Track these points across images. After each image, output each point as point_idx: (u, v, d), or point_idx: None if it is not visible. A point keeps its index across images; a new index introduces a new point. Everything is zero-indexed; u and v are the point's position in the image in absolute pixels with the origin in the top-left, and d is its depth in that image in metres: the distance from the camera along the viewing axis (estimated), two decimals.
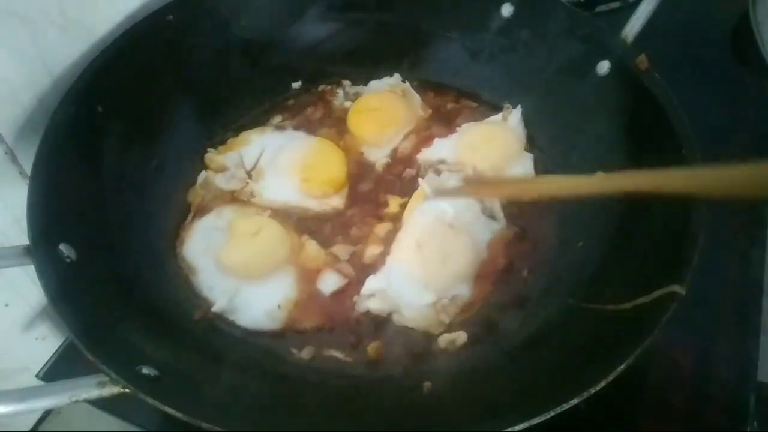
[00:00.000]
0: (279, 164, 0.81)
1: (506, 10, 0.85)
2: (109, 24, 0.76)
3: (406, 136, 0.86)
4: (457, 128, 0.85)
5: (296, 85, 0.91)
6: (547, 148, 0.83)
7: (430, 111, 0.89)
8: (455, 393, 0.63)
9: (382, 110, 0.85)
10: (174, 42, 0.79)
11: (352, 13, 0.90)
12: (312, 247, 0.75)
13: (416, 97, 0.89)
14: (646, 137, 0.71)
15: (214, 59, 0.84)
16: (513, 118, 0.85)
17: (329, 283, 0.72)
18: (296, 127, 0.87)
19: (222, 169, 0.81)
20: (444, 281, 0.70)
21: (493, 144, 0.80)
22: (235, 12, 0.84)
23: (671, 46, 0.97)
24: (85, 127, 0.69)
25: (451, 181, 0.78)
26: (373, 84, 0.91)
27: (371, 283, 0.70)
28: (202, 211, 0.79)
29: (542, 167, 0.83)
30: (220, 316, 0.70)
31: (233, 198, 0.80)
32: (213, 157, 0.83)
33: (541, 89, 0.84)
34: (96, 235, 0.66)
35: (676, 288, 0.55)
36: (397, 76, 0.90)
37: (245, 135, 0.85)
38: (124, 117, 0.74)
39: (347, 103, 0.89)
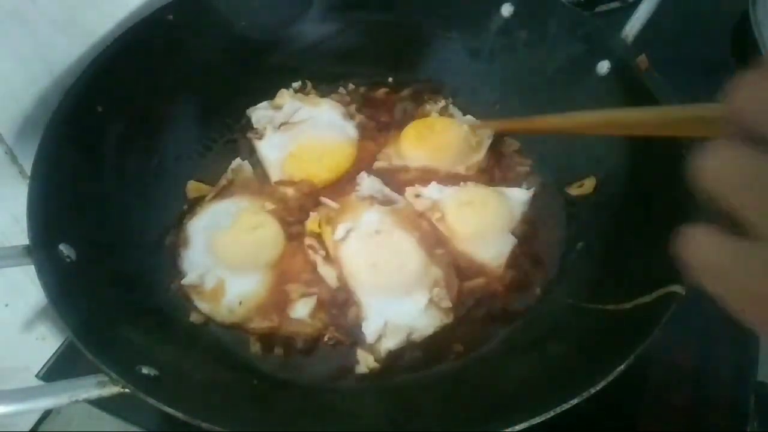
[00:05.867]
0: (301, 132, 0.83)
1: (506, 10, 0.85)
2: (109, 24, 0.76)
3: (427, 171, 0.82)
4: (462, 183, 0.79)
5: (296, 85, 0.91)
6: (547, 147, 0.83)
7: (484, 166, 0.83)
8: (455, 394, 0.63)
9: (441, 136, 0.83)
10: (174, 42, 0.79)
11: (352, 13, 0.90)
12: (300, 260, 0.73)
13: (484, 151, 0.84)
14: (646, 137, 0.71)
15: (214, 59, 0.84)
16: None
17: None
18: (353, 118, 0.88)
19: (278, 107, 0.86)
20: (416, 277, 0.70)
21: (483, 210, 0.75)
22: (235, 12, 0.84)
23: (671, 46, 0.97)
24: (85, 127, 0.69)
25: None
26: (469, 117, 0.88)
27: (370, 329, 0.68)
28: (223, 194, 0.79)
29: (541, 167, 0.83)
30: (186, 293, 0.71)
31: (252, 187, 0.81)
32: (285, 95, 0.88)
33: (541, 89, 0.84)
34: (96, 235, 0.66)
35: (677, 288, 0.55)
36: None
37: (319, 100, 0.89)
38: (124, 117, 0.74)
39: (434, 114, 0.88)
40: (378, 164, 0.83)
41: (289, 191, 0.79)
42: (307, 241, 0.74)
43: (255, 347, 0.68)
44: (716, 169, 0.27)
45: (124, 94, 0.74)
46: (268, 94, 0.89)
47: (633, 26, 0.75)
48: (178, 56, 0.80)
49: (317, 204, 0.78)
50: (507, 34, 0.86)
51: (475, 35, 0.88)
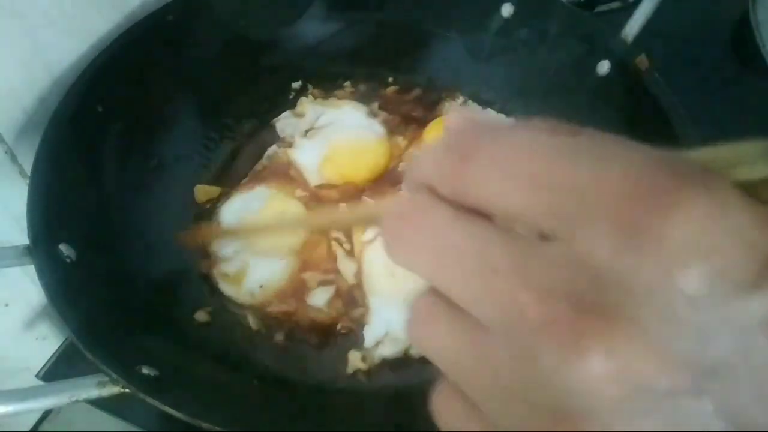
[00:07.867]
0: (329, 135, 0.84)
1: (506, 10, 0.84)
2: (109, 24, 0.76)
3: None
4: None
5: (296, 85, 0.91)
6: None
7: None
8: None
9: None
10: (174, 42, 0.79)
11: (352, 13, 0.90)
12: (323, 250, 0.75)
13: None
14: (647, 137, 0.70)
15: (214, 59, 0.84)
16: None
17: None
18: (376, 116, 0.88)
19: (300, 116, 0.87)
20: None
21: None
22: (235, 12, 0.84)
23: (671, 46, 0.97)
24: (85, 127, 0.69)
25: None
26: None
27: (371, 334, 0.68)
28: (256, 180, 0.81)
29: None
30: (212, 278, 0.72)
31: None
32: (306, 103, 0.88)
33: (541, 89, 0.84)
34: (96, 235, 0.66)
35: None
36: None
37: (340, 102, 0.89)
38: (124, 117, 0.74)
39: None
40: (403, 165, 0.82)
41: (332, 194, 0.79)
42: (334, 233, 0.75)
43: (253, 344, 0.69)
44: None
45: (124, 94, 0.74)
46: (269, 93, 0.89)
47: (633, 26, 0.75)
48: (178, 56, 0.80)
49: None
50: (507, 34, 0.86)
51: (474, 35, 0.88)
